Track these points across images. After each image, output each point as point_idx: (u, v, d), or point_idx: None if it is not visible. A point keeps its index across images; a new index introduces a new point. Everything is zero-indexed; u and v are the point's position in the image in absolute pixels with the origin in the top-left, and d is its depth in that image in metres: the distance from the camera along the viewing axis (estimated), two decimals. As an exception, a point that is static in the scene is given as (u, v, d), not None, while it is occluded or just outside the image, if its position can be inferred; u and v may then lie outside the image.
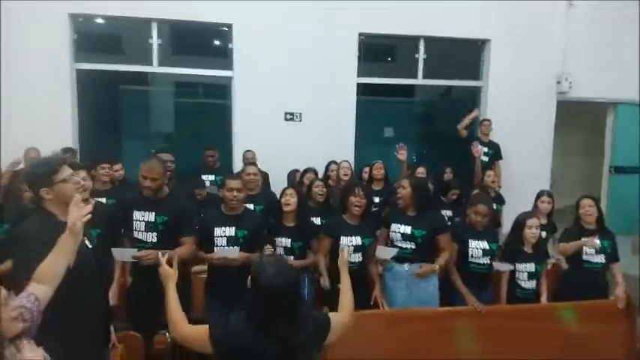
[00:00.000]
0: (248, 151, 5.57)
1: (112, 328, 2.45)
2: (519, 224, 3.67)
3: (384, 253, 3.45)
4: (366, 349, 3.11)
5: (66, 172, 2.10)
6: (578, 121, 8.10)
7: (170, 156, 3.99)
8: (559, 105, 6.88)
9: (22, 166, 4.85)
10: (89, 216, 1.89)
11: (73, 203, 1.84)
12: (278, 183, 5.37)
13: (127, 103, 7.04)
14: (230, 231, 3.27)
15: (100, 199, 4.11)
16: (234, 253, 3.15)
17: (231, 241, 3.26)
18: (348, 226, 3.47)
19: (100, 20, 5.98)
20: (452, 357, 3.26)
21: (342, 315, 2.18)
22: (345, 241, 3.39)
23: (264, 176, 5.52)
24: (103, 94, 6.54)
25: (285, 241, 3.50)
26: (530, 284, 3.64)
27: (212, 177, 5.09)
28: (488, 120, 6.35)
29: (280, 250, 3.46)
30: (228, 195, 3.24)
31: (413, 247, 3.44)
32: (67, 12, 5.57)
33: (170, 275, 2.09)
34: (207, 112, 7.08)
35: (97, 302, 2.24)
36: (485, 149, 6.14)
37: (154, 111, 7.29)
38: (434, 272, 3.42)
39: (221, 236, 3.27)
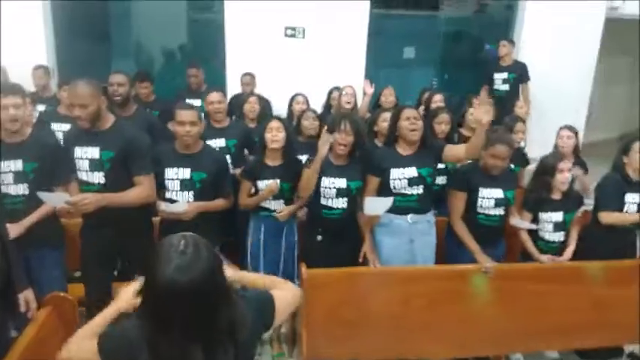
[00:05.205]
0: (245, 74, 4.98)
1: (28, 293, 2.01)
2: (548, 168, 3.07)
3: (375, 206, 2.77)
4: (351, 311, 2.69)
5: None
6: (628, 44, 7.08)
7: (122, 77, 3.38)
8: (607, 23, 5.98)
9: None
10: None
11: None
12: (276, 110, 4.83)
13: (116, 12, 6.26)
14: (184, 173, 2.77)
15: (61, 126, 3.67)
16: (181, 206, 2.69)
17: (186, 185, 2.77)
18: (330, 166, 2.88)
19: None
20: (454, 324, 2.80)
21: (284, 294, 1.53)
22: (326, 182, 2.84)
23: (265, 104, 4.94)
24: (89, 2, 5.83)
25: None
26: (557, 236, 3.10)
27: (198, 102, 4.45)
28: (508, 40, 5.64)
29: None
30: (180, 130, 2.72)
31: (420, 191, 2.87)
32: None
33: (124, 299, 1.51)
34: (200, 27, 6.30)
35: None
36: (505, 75, 5.48)
37: (149, 23, 6.54)
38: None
39: (173, 179, 2.77)
